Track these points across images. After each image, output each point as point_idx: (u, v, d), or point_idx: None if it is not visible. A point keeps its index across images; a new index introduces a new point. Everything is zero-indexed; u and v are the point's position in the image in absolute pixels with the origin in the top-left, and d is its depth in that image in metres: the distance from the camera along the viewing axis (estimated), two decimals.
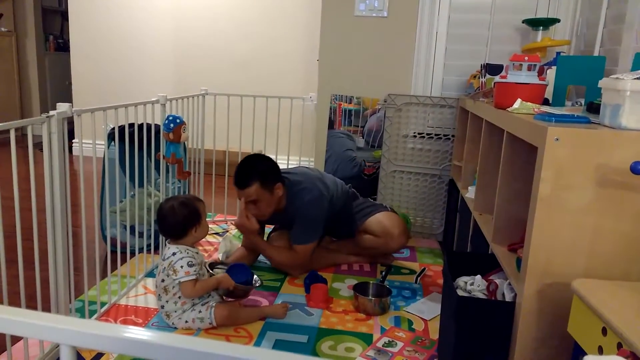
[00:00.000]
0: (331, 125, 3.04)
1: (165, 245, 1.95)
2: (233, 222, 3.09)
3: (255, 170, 2.19)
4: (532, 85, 1.58)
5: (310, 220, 2.31)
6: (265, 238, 2.51)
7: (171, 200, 1.95)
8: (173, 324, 1.89)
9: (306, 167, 2.52)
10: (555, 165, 1.16)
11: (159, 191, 2.45)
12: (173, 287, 1.86)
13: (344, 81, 2.99)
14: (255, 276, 2.13)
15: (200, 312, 1.88)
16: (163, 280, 1.87)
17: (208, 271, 2.01)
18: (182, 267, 1.83)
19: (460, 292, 1.46)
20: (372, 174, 3.02)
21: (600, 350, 0.95)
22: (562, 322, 1.17)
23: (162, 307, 1.90)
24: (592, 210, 1.18)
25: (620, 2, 2.08)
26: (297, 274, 2.36)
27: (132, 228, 2.36)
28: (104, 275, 2.22)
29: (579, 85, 1.82)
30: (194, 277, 1.84)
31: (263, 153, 2.38)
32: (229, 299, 2.01)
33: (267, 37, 4.42)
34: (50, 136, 1.57)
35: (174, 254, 1.86)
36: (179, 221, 1.89)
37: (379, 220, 2.46)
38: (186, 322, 1.87)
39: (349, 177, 2.98)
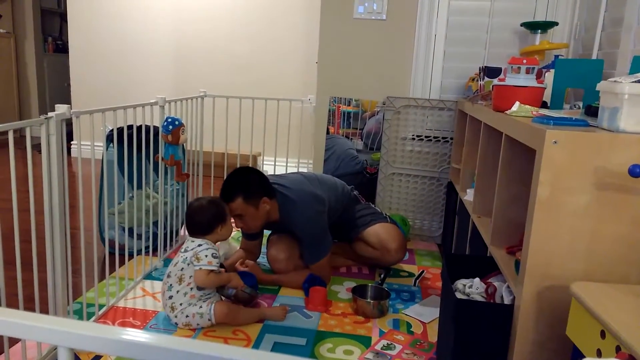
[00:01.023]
0: (327, 130, 3.04)
1: (187, 239, 1.99)
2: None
3: (239, 184, 2.16)
4: (530, 88, 1.58)
5: (313, 238, 2.27)
6: (264, 241, 2.51)
7: (201, 199, 2.03)
8: (176, 316, 1.89)
9: (302, 175, 2.44)
10: (554, 168, 1.16)
11: (157, 193, 2.45)
12: (190, 276, 1.89)
13: (343, 83, 3.00)
14: (257, 290, 2.14)
15: (201, 307, 1.88)
16: (182, 269, 1.90)
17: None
18: (206, 256, 1.89)
19: (458, 295, 1.45)
20: (375, 174, 3.02)
21: (599, 353, 0.95)
22: (560, 325, 1.17)
23: (170, 297, 1.90)
24: (590, 213, 1.18)
25: (618, 6, 2.08)
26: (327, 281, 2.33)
27: (131, 230, 2.35)
28: (102, 277, 2.22)
29: (577, 88, 1.83)
30: (215, 268, 1.89)
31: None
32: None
33: (266, 39, 4.42)
34: (49, 138, 1.57)
35: (199, 245, 1.92)
36: (209, 218, 1.96)
37: (377, 232, 2.45)
38: (187, 316, 1.88)
39: (351, 174, 2.98)
